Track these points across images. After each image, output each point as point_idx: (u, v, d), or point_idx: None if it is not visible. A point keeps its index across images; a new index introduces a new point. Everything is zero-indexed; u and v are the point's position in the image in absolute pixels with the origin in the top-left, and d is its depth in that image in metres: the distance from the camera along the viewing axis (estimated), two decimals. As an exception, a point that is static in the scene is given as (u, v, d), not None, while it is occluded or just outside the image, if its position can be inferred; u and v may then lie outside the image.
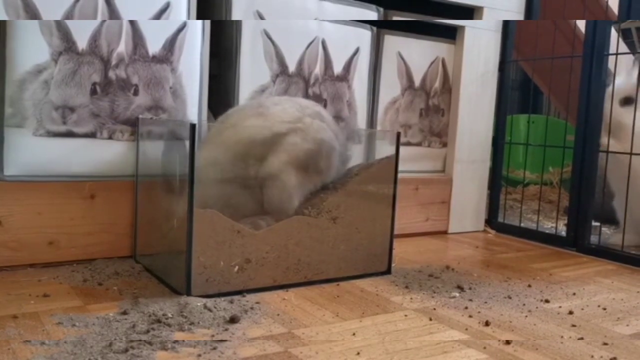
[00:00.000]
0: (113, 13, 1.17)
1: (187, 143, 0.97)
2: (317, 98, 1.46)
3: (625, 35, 2.33)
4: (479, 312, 1.03)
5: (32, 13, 1.10)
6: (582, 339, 0.93)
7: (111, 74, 1.19)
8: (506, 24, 1.78)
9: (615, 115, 1.44)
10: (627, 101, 1.45)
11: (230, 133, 1.12)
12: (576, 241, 1.60)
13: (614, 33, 1.56)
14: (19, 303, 0.95)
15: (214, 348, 0.81)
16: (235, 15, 1.33)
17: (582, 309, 1.08)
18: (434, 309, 1.04)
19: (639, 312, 1.09)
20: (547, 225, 1.84)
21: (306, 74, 1.44)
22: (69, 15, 1.13)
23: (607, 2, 1.84)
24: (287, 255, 1.10)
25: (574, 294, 1.19)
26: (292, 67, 1.42)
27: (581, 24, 1.81)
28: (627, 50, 1.65)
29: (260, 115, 1.12)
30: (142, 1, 1.20)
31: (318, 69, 1.46)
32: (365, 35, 1.54)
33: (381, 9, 1.55)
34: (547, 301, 1.12)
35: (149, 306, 0.94)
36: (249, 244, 1.06)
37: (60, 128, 1.15)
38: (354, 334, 0.90)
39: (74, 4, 1.13)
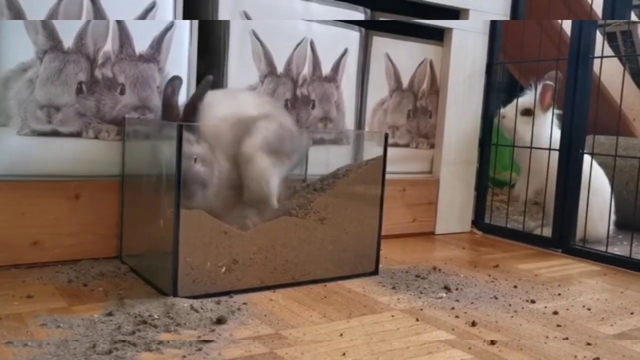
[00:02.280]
0: (98, 12, 1.16)
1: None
2: (306, 99, 1.46)
3: (610, 38, 2.36)
4: (465, 312, 1.04)
5: (16, 11, 1.09)
6: (566, 339, 0.94)
7: (97, 73, 1.18)
8: (493, 28, 1.79)
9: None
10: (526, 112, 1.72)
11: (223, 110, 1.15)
12: (561, 242, 1.61)
13: (599, 36, 1.58)
14: (2, 304, 0.93)
15: (199, 349, 0.80)
16: (222, 15, 1.32)
17: (567, 309, 1.09)
18: (421, 309, 1.04)
19: (622, 312, 1.10)
20: (533, 226, 1.85)
21: (294, 74, 1.44)
22: (54, 14, 1.12)
23: (591, 3, 1.86)
24: (275, 256, 1.10)
25: (559, 294, 1.20)
26: (280, 68, 1.41)
27: (567, 28, 1.83)
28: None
29: (233, 99, 1.18)
30: (128, 0, 1.20)
31: (306, 70, 1.46)
32: (353, 37, 1.54)
33: (368, 10, 1.55)
34: (532, 301, 1.13)
35: (134, 307, 0.93)
36: (236, 244, 1.05)
37: (45, 127, 1.14)
38: (341, 335, 0.90)
39: (58, 2, 1.12)
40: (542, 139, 1.66)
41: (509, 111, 1.75)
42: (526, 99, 1.72)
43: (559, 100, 1.65)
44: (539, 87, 1.68)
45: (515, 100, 1.75)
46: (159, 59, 1.25)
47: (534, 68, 1.71)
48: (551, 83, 1.66)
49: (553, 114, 1.68)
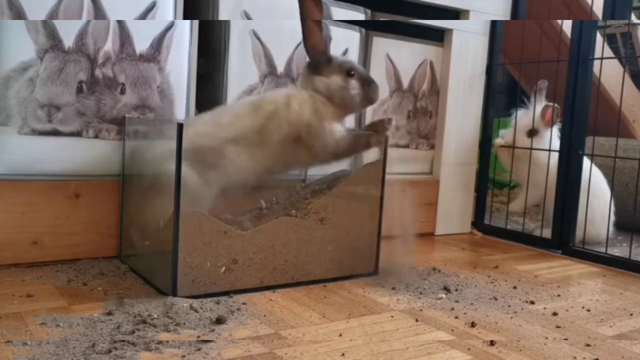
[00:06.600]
0: (98, 12, 1.17)
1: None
2: (306, 99, 1.46)
3: (610, 40, 2.36)
4: (465, 313, 1.04)
5: (17, 11, 1.09)
6: (565, 340, 0.94)
7: (98, 73, 1.18)
8: (494, 28, 1.79)
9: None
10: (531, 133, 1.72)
11: None
12: (561, 243, 1.61)
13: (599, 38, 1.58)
14: (1, 303, 0.93)
15: (199, 349, 0.80)
16: (222, 15, 1.32)
17: (567, 311, 1.09)
18: (421, 310, 1.04)
19: (622, 313, 1.10)
20: (533, 227, 1.85)
21: (295, 74, 1.44)
22: (54, 14, 1.12)
23: (591, 4, 1.86)
24: (274, 256, 1.10)
25: (559, 295, 1.20)
26: (280, 68, 1.41)
27: (567, 29, 1.83)
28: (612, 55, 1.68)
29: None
30: (128, 0, 1.20)
31: (306, 70, 1.45)
32: (353, 37, 1.54)
33: (368, 11, 1.55)
34: (532, 302, 1.13)
35: (134, 307, 0.93)
36: (236, 244, 1.05)
37: (45, 126, 1.14)
38: (340, 335, 0.90)
39: (58, 2, 1.12)
40: (546, 156, 1.65)
41: (510, 137, 1.74)
42: (525, 120, 1.72)
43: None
44: (539, 107, 1.68)
45: (513, 122, 1.75)
46: (159, 58, 1.25)
47: (534, 69, 1.71)
48: (552, 104, 1.67)
49: (552, 132, 1.68)
